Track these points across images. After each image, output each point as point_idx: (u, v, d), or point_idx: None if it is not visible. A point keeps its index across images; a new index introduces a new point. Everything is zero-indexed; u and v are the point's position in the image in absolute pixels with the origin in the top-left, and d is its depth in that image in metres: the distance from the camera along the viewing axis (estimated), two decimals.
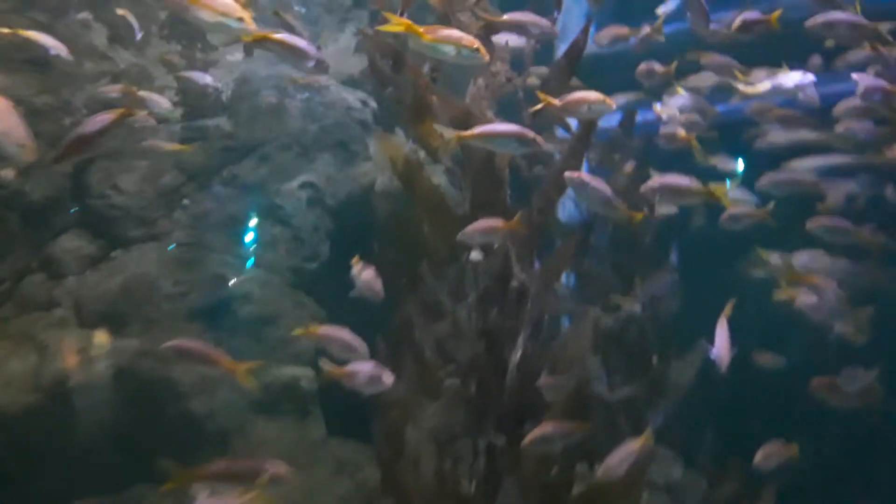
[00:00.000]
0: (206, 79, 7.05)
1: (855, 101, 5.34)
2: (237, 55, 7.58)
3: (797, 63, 5.51)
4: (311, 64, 4.21)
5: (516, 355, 4.47)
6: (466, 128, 4.44)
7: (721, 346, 4.76)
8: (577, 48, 5.07)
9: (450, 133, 4.30)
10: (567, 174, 4.42)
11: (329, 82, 7.38)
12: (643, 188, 4.71)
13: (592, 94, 4.40)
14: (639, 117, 6.88)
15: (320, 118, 7.29)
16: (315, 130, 7.22)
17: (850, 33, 5.00)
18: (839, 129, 5.61)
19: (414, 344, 4.82)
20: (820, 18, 4.89)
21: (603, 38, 6.66)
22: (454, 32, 4.09)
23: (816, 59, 6.15)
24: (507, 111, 5.24)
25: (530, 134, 4.19)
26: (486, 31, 4.82)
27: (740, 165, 6.72)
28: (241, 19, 3.86)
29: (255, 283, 6.71)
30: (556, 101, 4.36)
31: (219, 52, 7.58)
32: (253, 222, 6.95)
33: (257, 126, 7.14)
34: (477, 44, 4.04)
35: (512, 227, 4.52)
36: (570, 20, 7.80)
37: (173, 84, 6.95)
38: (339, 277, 5.45)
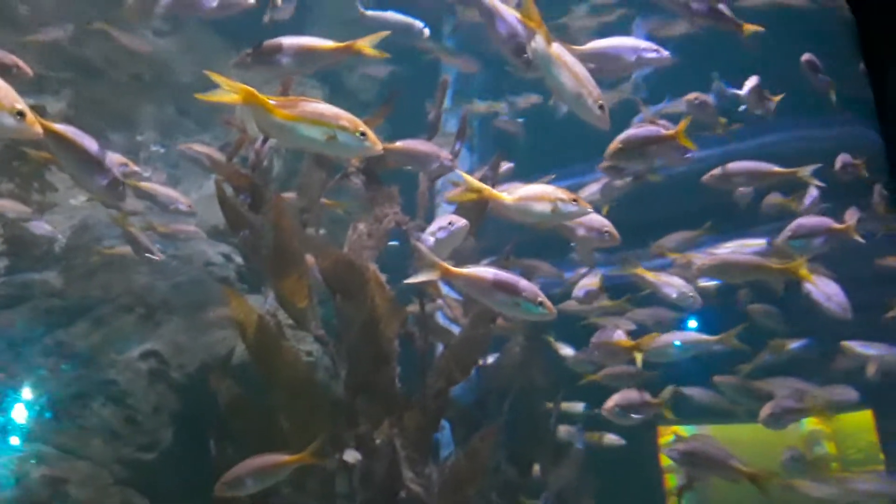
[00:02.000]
0: (43, 228, 6.00)
1: None
2: (81, 197, 6.57)
3: None
4: (103, 182, 3.05)
5: None
6: (343, 283, 3.43)
7: None
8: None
9: None
10: None
11: (198, 233, 6.32)
12: None
13: (559, 191, 3.38)
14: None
15: (173, 274, 6.25)
16: (165, 289, 6.21)
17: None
18: None
19: None
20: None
21: None
22: (326, 108, 3.01)
23: None
24: None
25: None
26: (374, 165, 3.92)
27: None
28: (20, 114, 2.66)
29: (73, 483, 5.35)
30: (506, 198, 3.32)
31: (58, 192, 6.55)
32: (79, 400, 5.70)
33: (94, 282, 6.07)
34: (362, 126, 2.97)
35: None
36: None
37: None
38: (184, 470, 4.88)
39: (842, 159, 5.53)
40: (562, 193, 3.28)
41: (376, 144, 2.98)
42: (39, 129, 2.74)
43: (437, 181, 5.08)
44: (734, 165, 5.08)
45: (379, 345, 3.92)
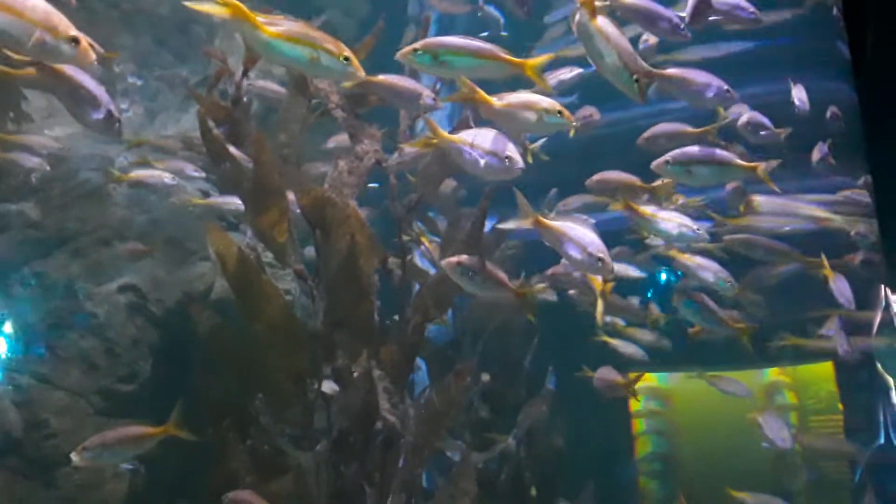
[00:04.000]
0: (32, 160, 5.92)
1: None
2: (57, 129, 6.45)
3: None
4: (97, 115, 3.07)
5: None
6: (324, 220, 3.45)
7: None
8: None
9: None
10: (450, 261, 3.62)
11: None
12: None
13: (545, 101, 3.47)
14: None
15: (150, 208, 6.17)
16: (142, 222, 6.14)
17: None
18: None
19: None
20: None
21: None
22: (312, 30, 3.05)
23: None
24: None
25: None
26: (353, 101, 3.91)
27: None
28: (75, 41, 2.77)
29: (52, 412, 5.37)
30: (495, 102, 3.43)
31: (35, 124, 6.43)
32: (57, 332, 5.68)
33: (71, 214, 5.97)
34: (347, 52, 3.00)
35: None
36: None
37: None
38: (162, 402, 4.43)
39: (831, 110, 5.55)
40: (549, 104, 3.36)
41: (359, 71, 3.02)
42: (94, 57, 2.83)
43: (416, 122, 5.08)
44: (658, 128, 5.02)
45: (358, 279, 3.96)
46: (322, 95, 4.54)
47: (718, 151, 4.38)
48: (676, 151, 4.33)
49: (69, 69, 3.05)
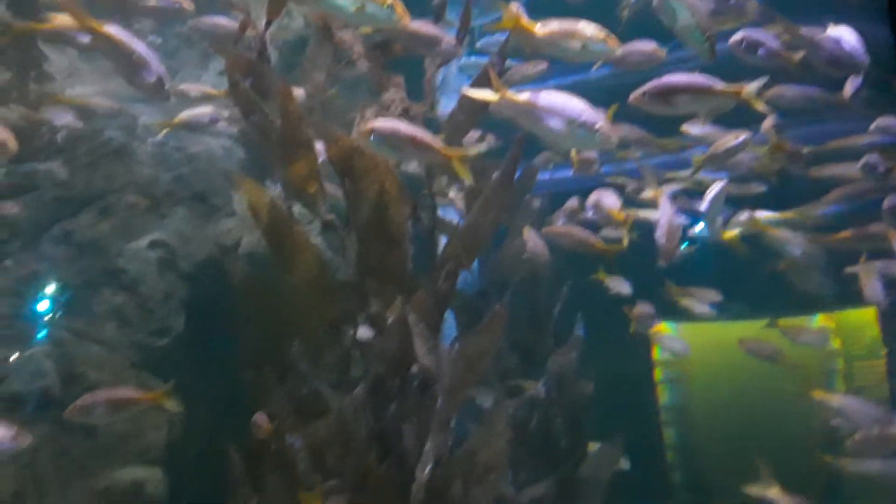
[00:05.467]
0: (64, 119, 5.94)
1: None
2: (78, 88, 6.46)
3: None
4: (149, 79, 3.14)
5: (424, 469, 3.41)
6: (352, 168, 3.46)
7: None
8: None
9: None
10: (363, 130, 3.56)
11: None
12: None
13: (590, 27, 3.28)
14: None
15: (175, 166, 6.23)
16: (168, 180, 6.19)
17: None
18: None
19: (282, 452, 3.68)
20: None
21: None
22: None
23: None
24: None
25: None
26: (380, 51, 3.88)
27: None
28: None
29: (90, 366, 5.47)
30: (538, 29, 3.27)
31: (56, 83, 6.43)
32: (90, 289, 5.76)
33: (98, 173, 6.01)
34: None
35: None
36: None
37: None
38: (195, 355, 4.87)
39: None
40: (593, 31, 3.23)
41: (403, 18, 3.00)
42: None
43: (440, 70, 5.04)
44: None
45: (389, 226, 3.97)
46: (346, 46, 4.52)
47: (697, 77, 4.01)
48: (651, 83, 3.93)
49: (122, 34, 3.13)
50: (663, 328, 7.74)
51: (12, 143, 3.33)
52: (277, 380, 3.93)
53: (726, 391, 8.38)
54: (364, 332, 3.89)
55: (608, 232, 5.83)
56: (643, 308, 6.05)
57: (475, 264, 5.99)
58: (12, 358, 5.37)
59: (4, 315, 5.48)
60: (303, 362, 3.90)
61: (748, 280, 6.14)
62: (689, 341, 7.58)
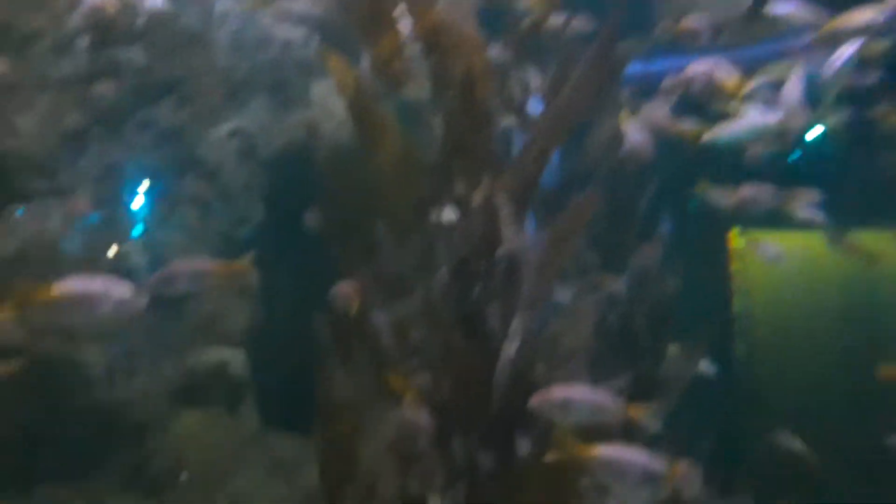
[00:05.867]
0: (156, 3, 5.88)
1: None
2: None
3: None
4: None
5: (511, 347, 3.36)
6: (439, 44, 3.28)
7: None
8: None
9: None
10: None
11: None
12: None
13: None
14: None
15: (252, 55, 6.13)
16: (246, 69, 6.11)
17: None
18: None
19: (368, 329, 3.67)
20: None
21: None
22: None
23: None
24: None
25: None
26: None
27: None
28: None
29: (172, 251, 5.56)
30: None
31: None
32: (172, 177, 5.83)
33: (176, 61, 5.97)
34: None
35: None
36: None
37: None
38: (275, 244, 4.88)
39: None
40: None
41: None
42: None
43: None
44: None
45: (476, 104, 3.81)
46: None
47: None
48: None
49: None
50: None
51: (112, 7, 3.16)
52: (362, 260, 3.89)
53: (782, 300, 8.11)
54: (449, 214, 3.79)
55: None
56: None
57: (555, 159, 5.80)
58: (110, 252, 5.47)
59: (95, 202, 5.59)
60: (388, 243, 3.84)
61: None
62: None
